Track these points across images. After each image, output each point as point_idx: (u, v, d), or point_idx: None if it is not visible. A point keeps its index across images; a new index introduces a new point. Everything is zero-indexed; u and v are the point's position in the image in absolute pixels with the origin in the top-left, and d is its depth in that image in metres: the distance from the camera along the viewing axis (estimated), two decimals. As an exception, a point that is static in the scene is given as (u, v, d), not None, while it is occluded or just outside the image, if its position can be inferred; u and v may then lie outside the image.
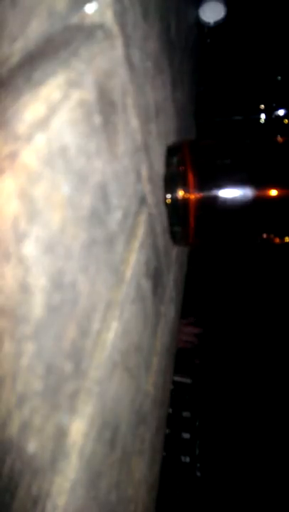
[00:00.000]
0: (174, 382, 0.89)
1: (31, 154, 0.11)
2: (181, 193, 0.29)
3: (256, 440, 0.79)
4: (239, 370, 0.89)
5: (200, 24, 0.67)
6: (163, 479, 0.74)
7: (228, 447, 0.80)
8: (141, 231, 0.23)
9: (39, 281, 0.11)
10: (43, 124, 0.11)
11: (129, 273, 0.20)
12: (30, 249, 0.11)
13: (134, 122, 0.21)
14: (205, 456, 0.79)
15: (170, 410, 0.84)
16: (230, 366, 0.91)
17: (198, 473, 0.77)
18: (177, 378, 0.90)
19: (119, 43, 0.18)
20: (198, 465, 0.78)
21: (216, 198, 0.29)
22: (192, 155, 0.30)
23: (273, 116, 0.55)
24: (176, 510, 0.73)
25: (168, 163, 0.30)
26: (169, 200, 0.29)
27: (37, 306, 0.11)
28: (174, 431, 0.82)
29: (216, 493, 0.75)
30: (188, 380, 0.90)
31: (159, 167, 0.29)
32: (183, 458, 0.78)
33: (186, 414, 0.84)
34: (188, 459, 0.78)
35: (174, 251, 0.39)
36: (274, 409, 0.80)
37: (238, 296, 0.99)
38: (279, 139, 0.32)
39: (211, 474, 0.77)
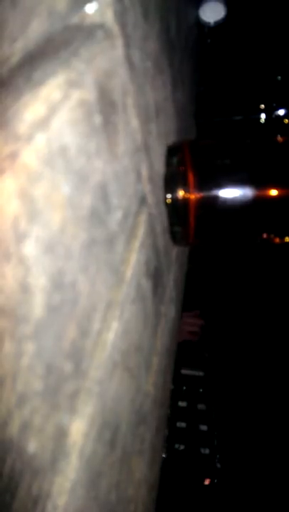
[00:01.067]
0: (187, 376, 0.89)
1: (31, 154, 0.11)
2: (181, 193, 0.29)
3: (272, 427, 0.79)
4: (248, 359, 0.90)
5: (200, 24, 0.67)
6: (185, 472, 0.74)
7: (245, 436, 0.80)
8: (141, 231, 0.23)
9: (39, 281, 0.11)
10: (43, 124, 0.11)
11: (129, 273, 0.20)
12: (30, 249, 0.11)
13: (135, 122, 0.21)
14: (224, 447, 0.79)
15: (185, 404, 0.85)
16: (239, 357, 0.91)
17: (219, 465, 0.77)
18: (189, 372, 0.90)
19: (119, 42, 0.18)
20: (218, 456, 0.78)
21: (216, 197, 0.29)
22: (192, 155, 0.30)
23: (273, 116, 0.55)
24: (199, 502, 0.73)
25: (168, 163, 0.30)
26: (169, 200, 0.29)
27: (37, 306, 0.11)
28: (192, 424, 0.82)
29: (237, 483, 0.75)
30: (200, 373, 0.90)
31: (159, 167, 0.29)
32: (202, 450, 0.79)
33: (201, 406, 0.85)
34: (207, 451, 0.78)
35: (174, 251, 0.39)
36: (286, 395, 0.80)
37: (238, 296, 0.99)
38: (279, 139, 0.32)
39: (231, 465, 0.77)
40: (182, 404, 0.85)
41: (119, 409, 0.19)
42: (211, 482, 0.74)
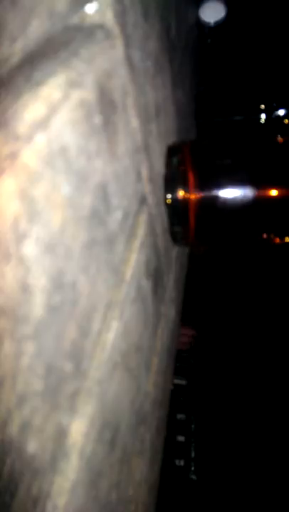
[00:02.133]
0: None
1: (31, 154, 0.11)
2: (181, 193, 0.29)
3: (252, 442, 0.79)
4: (234, 372, 0.89)
5: (200, 24, 0.67)
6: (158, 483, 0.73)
7: (223, 450, 0.80)
8: (141, 231, 0.23)
9: (39, 281, 0.11)
10: (43, 124, 0.11)
11: (129, 273, 0.20)
12: (30, 249, 0.11)
13: (135, 122, 0.21)
14: (200, 459, 0.78)
15: None
16: (225, 367, 0.90)
17: (194, 477, 0.76)
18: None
19: (119, 42, 0.18)
20: (193, 468, 0.77)
21: (216, 198, 0.29)
22: (192, 155, 0.30)
23: (273, 116, 0.55)
24: None
25: (168, 163, 0.30)
26: (169, 200, 0.29)
27: (37, 306, 0.11)
28: (169, 433, 0.81)
29: (211, 496, 0.75)
30: (183, 382, 0.89)
31: (160, 167, 0.29)
32: (177, 461, 0.78)
33: (180, 416, 0.84)
34: (182, 462, 0.77)
35: (174, 251, 0.39)
36: (269, 411, 0.80)
37: (237, 296, 0.99)
38: (279, 139, 0.32)
39: (206, 477, 0.76)
40: None
41: (120, 410, 0.19)
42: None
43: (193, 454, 0.78)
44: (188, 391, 0.87)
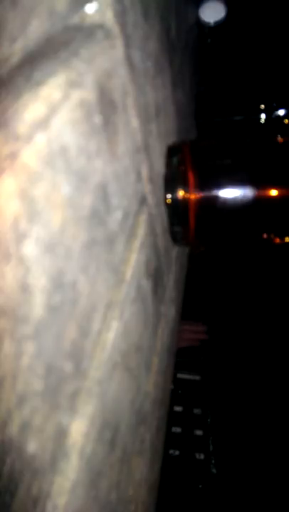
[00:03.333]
0: (183, 380, 0.88)
1: (31, 154, 0.11)
2: (181, 193, 0.29)
3: (268, 432, 0.79)
4: (246, 364, 0.89)
5: (200, 24, 0.67)
6: (179, 477, 0.73)
7: (241, 442, 0.80)
8: (141, 231, 0.23)
9: (39, 281, 0.11)
10: (43, 124, 0.11)
11: (129, 273, 0.20)
12: (30, 249, 0.11)
13: (135, 122, 0.21)
14: (219, 453, 0.78)
15: (181, 408, 0.84)
16: (237, 360, 0.90)
17: (214, 470, 0.76)
18: (186, 376, 0.89)
19: (119, 42, 0.18)
20: (213, 461, 0.77)
21: (216, 198, 0.29)
22: (192, 155, 0.30)
23: (273, 116, 0.55)
24: (194, 508, 0.73)
25: (168, 163, 0.30)
26: (169, 200, 0.29)
27: (37, 306, 0.11)
28: (187, 428, 0.81)
29: (232, 488, 0.75)
30: (196, 377, 0.89)
31: (160, 167, 0.29)
32: (197, 455, 0.78)
33: (197, 411, 0.84)
34: (202, 456, 0.78)
35: (175, 251, 0.39)
36: (283, 400, 0.80)
37: (239, 295, 0.99)
38: (279, 139, 0.32)
39: (226, 470, 0.76)
40: (178, 408, 0.84)
41: (120, 410, 0.19)
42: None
43: (211, 448, 0.78)
44: (202, 386, 0.88)
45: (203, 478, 0.75)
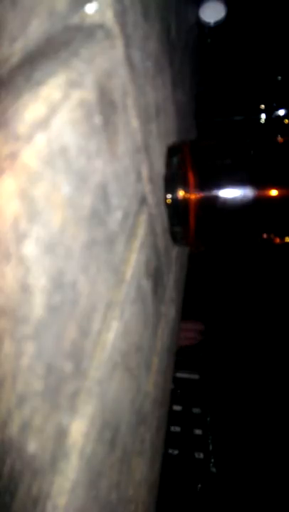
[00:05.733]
0: (182, 379, 0.88)
1: (31, 154, 0.11)
2: (181, 193, 0.29)
3: (268, 431, 0.78)
4: (245, 363, 0.89)
5: (200, 24, 0.67)
6: (178, 477, 0.73)
7: (240, 441, 0.80)
8: (141, 231, 0.23)
9: (39, 281, 0.11)
10: (43, 124, 0.11)
11: (129, 273, 0.20)
12: (30, 249, 0.11)
13: (135, 122, 0.21)
14: (218, 452, 0.78)
15: (180, 407, 0.84)
16: (236, 359, 0.90)
17: (213, 469, 0.76)
18: (185, 375, 0.89)
19: (119, 42, 0.18)
20: (213, 460, 0.77)
21: (216, 198, 0.29)
22: (192, 155, 0.30)
23: (273, 116, 0.55)
24: (193, 507, 0.73)
25: (168, 164, 0.30)
26: (169, 200, 0.29)
27: (37, 306, 0.11)
28: (186, 428, 0.81)
29: (232, 487, 0.75)
30: (195, 376, 0.89)
31: (160, 167, 0.29)
32: (196, 454, 0.78)
33: (196, 410, 0.84)
34: (202, 455, 0.78)
35: (175, 251, 0.39)
36: (283, 400, 0.80)
37: (238, 295, 0.99)
38: (279, 139, 0.32)
39: (225, 469, 0.76)
40: (177, 408, 0.84)
41: (120, 410, 0.19)
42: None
43: (210, 447, 0.78)
44: (201, 385, 0.88)
45: (202, 477, 0.75)
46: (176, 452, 0.77)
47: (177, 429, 0.80)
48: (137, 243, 0.22)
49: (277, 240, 0.31)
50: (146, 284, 0.25)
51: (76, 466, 0.14)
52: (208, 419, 0.82)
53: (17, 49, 0.13)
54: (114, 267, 0.18)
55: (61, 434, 0.13)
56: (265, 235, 0.31)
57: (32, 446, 0.11)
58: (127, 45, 0.20)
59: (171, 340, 0.37)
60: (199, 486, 0.74)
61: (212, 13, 0.67)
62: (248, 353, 0.90)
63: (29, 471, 0.11)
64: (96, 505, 0.16)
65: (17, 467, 0.11)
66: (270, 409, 0.81)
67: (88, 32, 0.16)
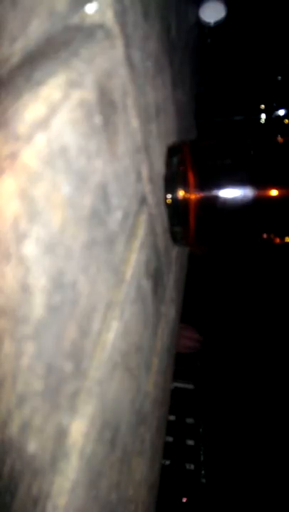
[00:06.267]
0: (177, 389, 0.88)
1: (31, 154, 0.11)
2: (181, 193, 0.29)
3: (260, 445, 0.78)
4: (241, 374, 0.89)
5: (200, 24, 0.67)
6: (168, 487, 0.72)
7: (232, 453, 0.79)
8: (141, 231, 0.23)
9: (39, 281, 0.11)
10: (43, 124, 0.11)
11: (129, 273, 0.20)
12: (30, 249, 0.11)
13: (135, 122, 0.21)
14: (210, 463, 0.78)
15: (173, 417, 0.83)
16: (231, 371, 0.90)
17: (204, 480, 0.76)
18: (179, 384, 0.89)
19: (119, 42, 0.18)
20: (203, 472, 0.77)
21: (216, 198, 0.29)
22: (192, 155, 0.30)
23: (274, 116, 0.55)
24: None
25: (168, 163, 0.30)
26: (169, 200, 0.29)
27: (37, 306, 0.11)
28: (178, 438, 0.81)
29: (222, 499, 0.74)
30: (190, 386, 0.89)
31: (160, 167, 0.29)
32: (187, 465, 0.78)
33: (189, 420, 0.84)
34: (192, 466, 0.77)
35: (175, 251, 0.39)
36: (277, 413, 0.80)
37: (238, 297, 0.99)
38: (279, 139, 0.32)
39: (216, 481, 0.76)
40: (170, 417, 0.83)
41: (120, 410, 0.19)
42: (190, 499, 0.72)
43: (202, 458, 0.78)
44: (195, 395, 0.87)
45: (192, 488, 0.75)
46: (167, 463, 0.77)
47: (170, 439, 0.80)
48: (137, 243, 0.22)
49: (277, 240, 0.31)
50: (147, 284, 0.25)
51: (76, 466, 0.14)
52: (201, 430, 0.82)
53: (17, 49, 0.13)
54: (114, 267, 0.18)
55: (61, 434, 0.13)
56: (265, 235, 0.31)
57: (32, 446, 0.11)
58: (127, 45, 0.20)
59: (171, 340, 0.37)
60: (189, 497, 0.73)
61: (212, 13, 0.67)
62: (243, 365, 0.89)
63: (29, 471, 0.11)
64: (96, 505, 0.16)
65: (17, 467, 0.11)
66: (263, 423, 0.80)
67: (88, 32, 0.16)
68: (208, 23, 0.68)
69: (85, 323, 0.15)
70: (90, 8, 0.16)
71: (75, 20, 0.16)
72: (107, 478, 0.17)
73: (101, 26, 0.16)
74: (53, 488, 0.12)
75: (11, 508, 0.10)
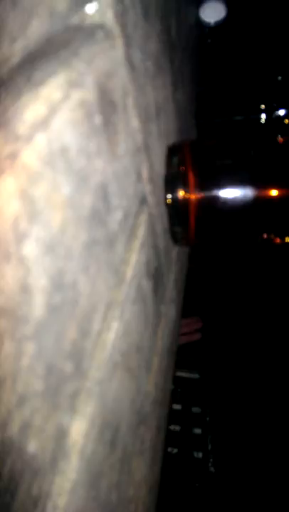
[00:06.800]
0: (182, 378, 0.88)
1: (32, 154, 0.11)
2: (181, 193, 0.29)
3: (267, 431, 0.78)
4: (245, 362, 0.89)
5: (201, 24, 0.67)
6: (177, 476, 0.73)
7: (240, 440, 0.79)
8: (141, 231, 0.23)
9: (39, 281, 0.11)
10: (43, 124, 0.11)
11: (129, 273, 0.20)
12: (30, 249, 0.11)
13: (135, 122, 0.21)
14: (218, 451, 0.78)
15: (180, 406, 0.83)
16: (236, 358, 0.90)
17: (212, 469, 0.76)
18: (185, 374, 0.89)
19: (119, 43, 0.18)
20: (212, 460, 0.77)
21: (216, 198, 0.29)
22: (193, 155, 0.30)
23: (274, 116, 0.55)
24: (192, 506, 0.72)
25: (168, 164, 0.30)
26: (169, 201, 0.29)
27: (37, 306, 0.11)
28: (185, 427, 0.81)
29: (231, 487, 0.74)
30: (195, 375, 0.89)
31: (160, 167, 0.29)
32: (195, 454, 0.78)
33: (195, 409, 0.84)
34: (200, 455, 0.77)
35: (175, 251, 0.39)
36: (283, 400, 0.80)
37: (238, 295, 0.99)
38: (279, 139, 0.32)
39: (224, 469, 0.76)
40: (176, 407, 0.83)
41: (120, 410, 0.19)
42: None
43: (210, 446, 0.78)
44: (201, 384, 0.88)
45: (201, 476, 0.75)
46: (175, 451, 0.77)
47: (177, 428, 0.80)
48: (137, 243, 0.22)
49: (278, 240, 0.31)
50: (147, 284, 0.25)
51: (76, 466, 0.14)
52: (208, 418, 0.82)
53: (17, 49, 0.13)
54: (115, 267, 0.18)
55: (61, 434, 0.13)
56: (265, 235, 0.31)
57: (32, 446, 0.11)
58: (127, 45, 0.20)
59: (172, 340, 0.37)
60: (198, 485, 0.74)
61: (212, 13, 0.67)
62: (248, 353, 0.90)
63: (29, 471, 0.11)
64: (96, 506, 0.16)
65: (17, 467, 0.11)
66: (270, 409, 0.80)
67: (88, 32, 0.16)
68: (208, 23, 0.68)
69: (85, 323, 0.15)
70: (90, 8, 0.16)
71: (75, 20, 0.16)
72: (107, 479, 0.17)
73: (101, 26, 0.16)
74: (53, 488, 0.12)
75: (11, 508, 0.10)
